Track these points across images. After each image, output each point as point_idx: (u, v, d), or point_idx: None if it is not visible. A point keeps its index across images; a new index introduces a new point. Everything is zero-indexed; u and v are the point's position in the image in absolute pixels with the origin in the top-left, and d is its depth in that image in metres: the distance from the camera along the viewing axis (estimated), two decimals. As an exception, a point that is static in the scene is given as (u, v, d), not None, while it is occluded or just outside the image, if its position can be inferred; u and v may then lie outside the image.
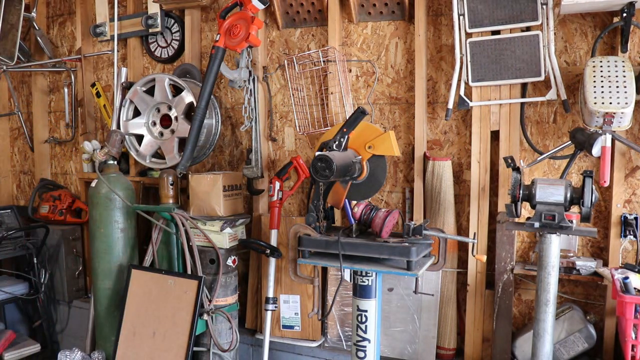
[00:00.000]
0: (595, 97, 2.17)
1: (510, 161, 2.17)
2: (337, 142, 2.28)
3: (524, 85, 2.55)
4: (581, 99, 2.30)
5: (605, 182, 2.17)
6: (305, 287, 2.89)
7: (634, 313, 2.00)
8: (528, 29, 2.47)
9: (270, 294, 2.80)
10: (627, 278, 2.09)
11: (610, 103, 2.15)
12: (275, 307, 2.83)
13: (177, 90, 3.08)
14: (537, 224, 2.05)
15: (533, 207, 2.09)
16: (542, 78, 2.45)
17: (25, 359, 3.33)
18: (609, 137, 2.17)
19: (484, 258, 2.30)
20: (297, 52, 3.05)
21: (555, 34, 2.46)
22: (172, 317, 2.69)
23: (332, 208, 2.48)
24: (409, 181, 2.87)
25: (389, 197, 2.94)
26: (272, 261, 2.81)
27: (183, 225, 2.77)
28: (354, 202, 2.44)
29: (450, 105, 2.60)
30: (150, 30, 3.31)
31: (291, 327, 2.94)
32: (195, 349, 2.75)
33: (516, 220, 2.33)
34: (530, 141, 2.58)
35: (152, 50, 3.44)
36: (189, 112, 3.02)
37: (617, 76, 2.19)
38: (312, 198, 2.31)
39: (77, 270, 3.67)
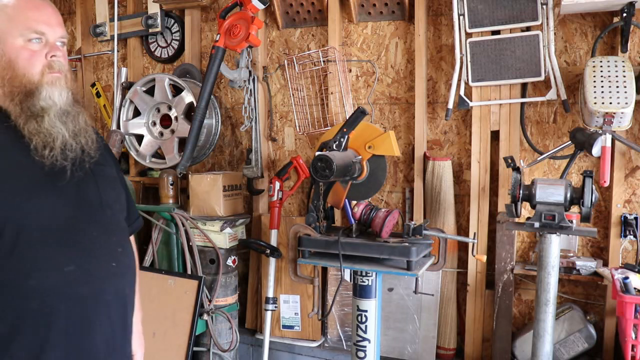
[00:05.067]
0: (595, 97, 2.17)
1: (510, 161, 2.17)
2: (337, 142, 2.27)
3: (524, 85, 2.55)
4: (581, 99, 2.30)
5: (605, 182, 2.17)
6: (305, 287, 2.89)
7: (634, 313, 2.00)
8: (528, 29, 2.47)
9: (270, 294, 2.80)
10: (627, 278, 2.08)
11: (610, 103, 2.15)
12: (275, 307, 2.83)
13: (177, 90, 3.08)
14: (537, 224, 2.05)
15: (533, 207, 2.09)
16: (542, 78, 2.45)
17: (25, 359, 3.32)
18: (609, 137, 2.17)
19: (484, 258, 2.30)
20: (297, 52, 3.05)
21: (555, 34, 2.46)
22: (172, 317, 2.69)
23: (332, 208, 2.48)
24: (409, 181, 2.87)
25: (389, 197, 2.94)
26: (272, 261, 2.81)
27: (183, 225, 2.77)
28: (354, 202, 2.44)
29: (450, 105, 2.59)
30: (150, 30, 3.31)
31: (291, 327, 2.94)
32: (195, 349, 2.75)
33: (516, 220, 2.33)
34: (530, 141, 2.58)
35: (152, 50, 3.43)
36: (189, 112, 3.02)
37: (617, 76, 2.19)
38: (312, 198, 2.31)
39: (77, 270, 3.66)
